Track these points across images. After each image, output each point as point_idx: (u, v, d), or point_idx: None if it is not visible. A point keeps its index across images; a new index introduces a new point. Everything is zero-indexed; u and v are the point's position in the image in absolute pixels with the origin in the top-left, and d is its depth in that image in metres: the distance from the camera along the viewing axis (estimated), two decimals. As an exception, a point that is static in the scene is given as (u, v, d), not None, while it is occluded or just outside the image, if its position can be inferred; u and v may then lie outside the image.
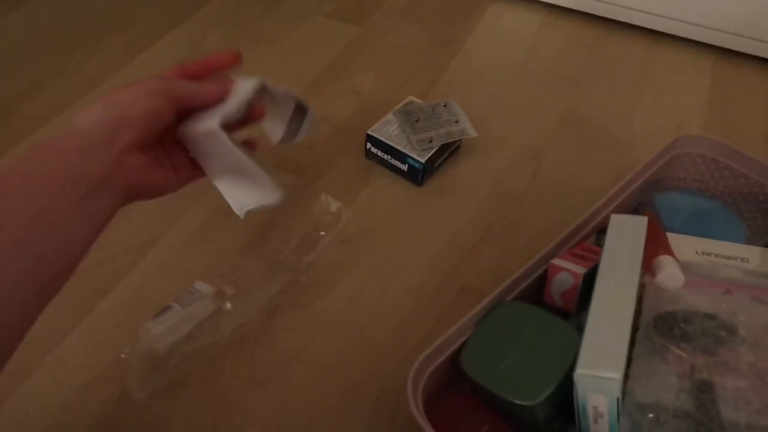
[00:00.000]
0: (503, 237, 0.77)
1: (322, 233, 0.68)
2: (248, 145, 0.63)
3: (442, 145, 0.81)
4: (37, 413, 0.60)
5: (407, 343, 0.66)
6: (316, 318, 0.68)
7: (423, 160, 0.78)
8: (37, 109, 0.92)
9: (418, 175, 0.80)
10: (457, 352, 0.58)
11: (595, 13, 1.13)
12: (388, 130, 0.82)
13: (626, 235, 0.59)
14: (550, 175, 0.85)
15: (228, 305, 0.63)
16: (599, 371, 0.48)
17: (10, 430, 0.59)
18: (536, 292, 0.65)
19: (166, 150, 0.56)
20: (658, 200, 0.73)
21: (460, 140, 0.85)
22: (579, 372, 0.48)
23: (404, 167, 0.81)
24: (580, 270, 0.61)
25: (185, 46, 1.04)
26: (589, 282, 0.61)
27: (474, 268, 0.74)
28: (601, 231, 0.70)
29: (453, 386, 0.59)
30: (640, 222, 0.59)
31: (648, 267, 0.60)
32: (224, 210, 0.78)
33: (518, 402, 0.51)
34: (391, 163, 0.82)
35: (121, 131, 0.45)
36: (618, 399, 0.48)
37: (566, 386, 0.52)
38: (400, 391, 0.62)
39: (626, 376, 0.50)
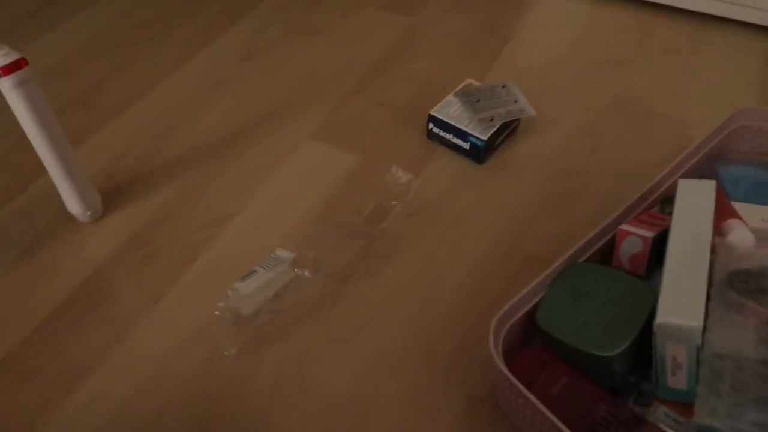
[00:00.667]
0: (564, 210, 0.79)
1: (394, 202, 0.72)
2: None
3: (502, 124, 0.83)
4: (136, 371, 0.64)
5: (476, 308, 0.69)
6: (387, 284, 0.71)
7: (485, 138, 0.81)
8: (112, 100, 0.97)
9: (479, 152, 0.83)
10: (531, 313, 0.61)
11: (644, -2, 1.14)
12: (450, 110, 0.85)
13: (695, 198, 0.60)
14: (607, 152, 0.87)
15: (307, 270, 0.67)
16: (679, 320, 0.50)
17: (111, 387, 0.63)
18: (603, 258, 0.67)
19: None
20: (720, 172, 0.74)
21: (519, 120, 0.88)
22: (659, 321, 0.51)
23: (466, 145, 0.84)
24: (649, 234, 0.63)
25: (246, 40, 1.09)
26: (657, 246, 0.63)
27: (537, 240, 0.76)
28: (665, 201, 0.72)
29: (524, 346, 0.62)
30: (709, 185, 0.61)
31: (717, 231, 0.61)
32: (297, 184, 0.83)
33: (597, 354, 0.54)
34: (452, 142, 0.85)
35: None
36: (698, 347, 0.50)
37: (643, 339, 0.54)
38: (473, 352, 0.65)
39: (703, 329, 0.51)
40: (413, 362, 0.65)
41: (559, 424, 0.50)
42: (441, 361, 0.65)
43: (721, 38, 1.08)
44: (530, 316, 0.60)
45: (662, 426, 0.53)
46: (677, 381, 0.53)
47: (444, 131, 0.85)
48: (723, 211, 0.64)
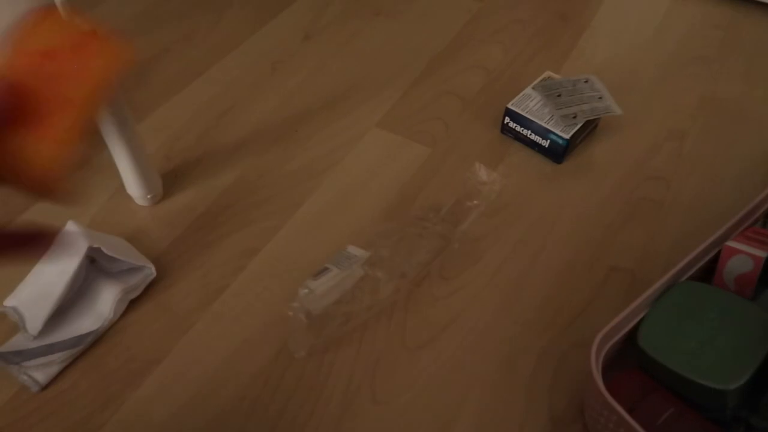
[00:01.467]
0: (650, 218, 0.74)
1: (476, 202, 0.67)
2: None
3: (585, 122, 0.78)
4: (200, 365, 0.61)
5: (558, 320, 0.65)
6: (464, 289, 0.67)
7: (567, 137, 0.76)
8: (169, 76, 0.93)
9: (560, 151, 0.78)
10: (630, 333, 0.56)
11: (729, -8, 1.07)
12: (529, 104, 0.80)
13: (821, 217, 0.55)
14: (694, 156, 0.82)
15: (380, 272, 0.63)
16: (816, 356, 0.45)
17: (175, 382, 0.60)
18: (703, 275, 0.62)
19: None
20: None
21: (599, 118, 0.82)
22: (791, 356, 0.46)
23: (545, 143, 0.79)
24: (762, 254, 0.57)
25: (307, 18, 1.04)
26: (766, 267, 0.58)
27: (622, 248, 0.71)
28: (769, 216, 0.67)
29: (616, 368, 0.57)
30: (836, 205, 0.56)
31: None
32: (365, 175, 0.78)
33: (712, 386, 0.49)
34: (530, 138, 0.80)
35: None
36: (833, 387, 0.45)
37: (760, 372, 0.50)
38: (557, 367, 0.61)
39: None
40: (492, 374, 0.61)
41: (671, 461, 0.45)
42: (522, 375, 0.61)
43: (815, 38, 1.01)
44: (629, 336, 0.56)
45: (779, 468, 0.48)
46: (798, 420, 0.49)
47: (521, 127, 0.80)
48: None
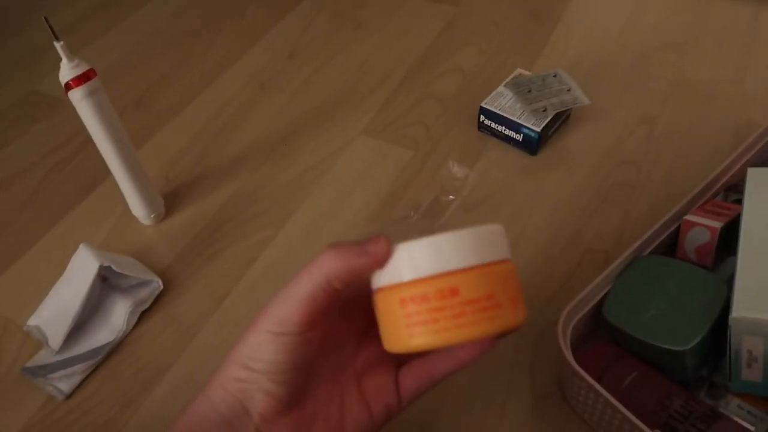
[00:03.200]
0: (623, 201, 0.78)
1: (451, 197, 0.72)
2: None
3: (555, 113, 0.82)
4: (209, 368, 0.67)
5: (537, 301, 0.69)
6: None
7: (538, 129, 0.81)
8: (165, 102, 1.00)
9: (533, 143, 0.82)
10: (597, 307, 0.60)
11: (695, -23, 1.11)
12: (501, 102, 0.85)
13: (766, 186, 0.59)
14: (665, 139, 0.86)
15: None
16: (756, 313, 0.49)
17: (186, 384, 0.65)
18: (666, 249, 0.66)
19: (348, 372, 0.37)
20: (786, 157, 0.72)
21: (570, 109, 0.87)
22: (735, 315, 0.50)
23: (519, 137, 0.83)
24: (717, 224, 0.61)
25: (292, 36, 1.10)
26: (723, 236, 0.62)
27: (596, 231, 0.75)
28: (729, 189, 0.71)
29: (589, 341, 0.62)
30: (780, 174, 0.60)
31: (789, 219, 0.60)
32: (353, 181, 0.84)
33: (670, 348, 0.53)
34: (504, 134, 0.85)
35: (249, 398, 0.31)
36: (776, 340, 0.49)
37: (716, 332, 0.54)
38: (536, 346, 0.66)
39: (780, 320, 0.51)
40: (477, 357, 0.65)
41: (632, 417, 0.50)
42: (504, 355, 0.65)
43: (780, 15, 1.04)
44: (596, 310, 0.60)
45: (738, 419, 0.52)
46: (752, 374, 0.53)
47: (496, 123, 0.85)
48: (794, 199, 0.62)
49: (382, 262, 0.31)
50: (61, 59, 0.63)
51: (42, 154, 0.92)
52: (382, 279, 0.32)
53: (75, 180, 0.88)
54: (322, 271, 0.31)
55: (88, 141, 0.93)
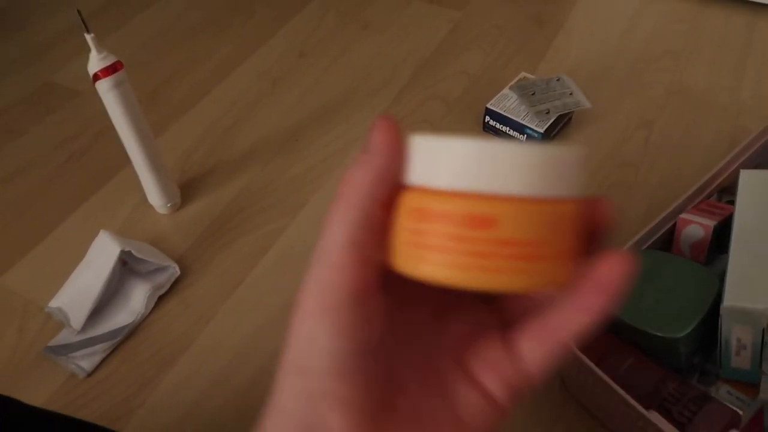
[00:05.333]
0: (622, 200, 0.82)
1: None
2: None
3: (558, 116, 0.86)
4: (224, 349, 0.69)
5: (539, 293, 0.73)
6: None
7: (542, 130, 0.84)
8: (179, 97, 1.02)
9: (536, 144, 0.86)
10: (596, 297, 0.64)
11: (693, -12, 1.15)
12: (506, 103, 0.88)
13: (758, 187, 0.63)
14: (662, 143, 0.89)
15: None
16: (746, 303, 0.53)
17: (202, 364, 0.68)
18: (663, 245, 0.70)
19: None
20: (776, 161, 0.76)
21: (572, 112, 0.90)
22: (726, 305, 0.53)
23: (522, 137, 0.87)
24: (711, 223, 0.65)
25: (301, 35, 1.13)
26: (717, 234, 0.66)
27: (595, 228, 0.79)
28: (723, 190, 0.75)
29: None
30: (771, 176, 0.63)
31: (777, 218, 0.64)
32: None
33: (664, 336, 0.57)
34: (509, 134, 0.88)
35: (320, 416, 0.22)
36: (763, 329, 0.53)
37: (708, 322, 0.57)
38: (538, 335, 0.69)
39: (768, 311, 0.54)
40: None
41: (628, 398, 0.53)
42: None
43: (773, 27, 1.08)
44: (595, 300, 0.64)
45: (727, 404, 0.56)
46: (741, 361, 0.56)
47: (501, 124, 0.88)
48: (782, 200, 0.66)
49: (393, 154, 0.23)
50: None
51: (58, 143, 0.95)
52: (409, 175, 0.23)
53: (91, 169, 0.91)
54: (351, 203, 0.22)
55: (103, 132, 0.96)
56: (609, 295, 0.22)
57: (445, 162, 0.22)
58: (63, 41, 1.13)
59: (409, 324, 0.25)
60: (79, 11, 0.62)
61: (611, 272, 0.21)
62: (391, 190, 0.23)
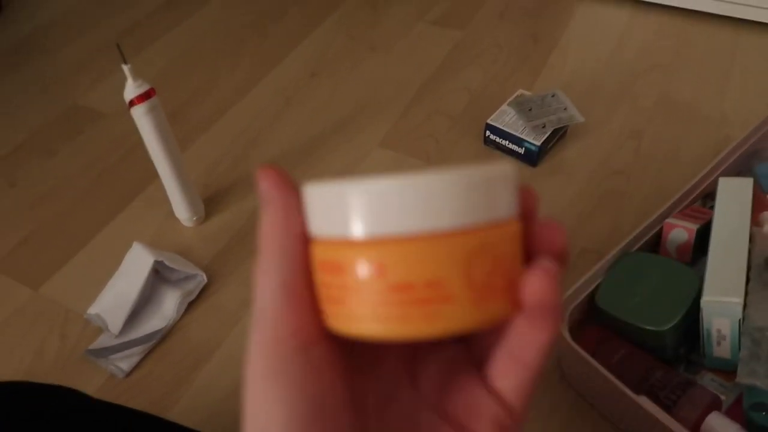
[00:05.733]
0: (613, 207, 0.88)
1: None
2: None
3: (553, 130, 0.93)
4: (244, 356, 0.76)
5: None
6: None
7: (539, 143, 0.91)
8: (200, 115, 1.09)
9: (533, 156, 0.92)
10: (590, 296, 0.70)
11: (680, 5, 1.22)
12: (505, 119, 0.95)
13: (735, 193, 0.69)
14: (651, 152, 0.96)
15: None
16: (723, 297, 0.59)
17: (229, 366, 0.75)
18: (652, 248, 0.76)
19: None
20: (757, 169, 0.82)
21: (567, 126, 0.97)
22: (706, 298, 0.60)
23: (521, 150, 0.93)
24: (694, 226, 0.71)
25: (313, 56, 1.20)
26: (701, 237, 0.72)
27: (590, 233, 0.85)
28: (707, 196, 0.81)
29: (584, 326, 0.71)
30: (747, 182, 0.70)
31: (755, 221, 0.70)
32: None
33: (651, 328, 0.63)
34: (508, 147, 0.95)
35: None
36: (740, 320, 0.59)
37: (691, 316, 0.63)
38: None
39: (744, 305, 0.60)
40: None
41: (620, 385, 0.59)
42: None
43: (757, 42, 1.15)
44: (589, 299, 0.70)
45: (710, 389, 0.62)
46: (722, 351, 0.62)
47: (500, 138, 0.95)
48: (759, 205, 0.72)
49: (276, 206, 0.22)
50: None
51: (88, 162, 1.02)
52: (311, 226, 0.21)
53: (119, 186, 0.98)
54: (268, 253, 0.21)
55: (129, 151, 1.03)
56: (553, 309, 0.20)
57: (335, 210, 0.20)
58: (87, 66, 1.21)
59: (382, 381, 0.24)
60: (118, 45, 0.69)
61: (533, 289, 0.20)
62: (299, 236, 0.21)
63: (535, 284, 0.20)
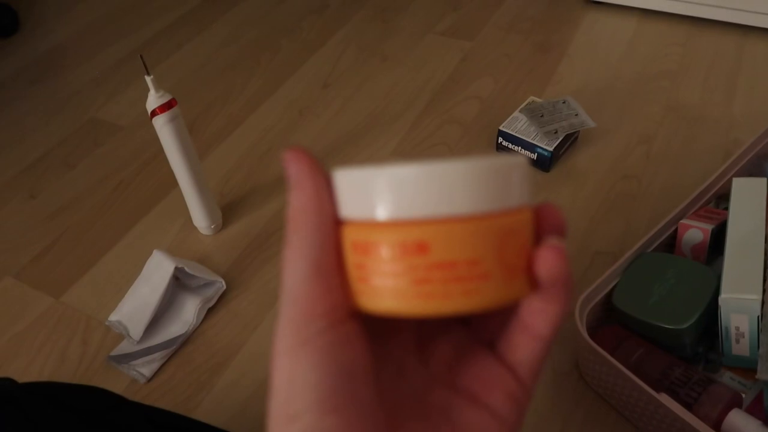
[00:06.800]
0: (626, 210, 0.89)
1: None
2: None
3: (565, 135, 0.94)
4: (265, 356, 0.77)
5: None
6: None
7: (551, 149, 0.92)
8: (215, 127, 1.11)
9: (546, 161, 0.93)
10: (608, 297, 0.71)
11: (685, 13, 1.23)
12: (517, 125, 0.96)
13: (749, 192, 0.70)
14: (661, 156, 0.97)
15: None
16: (742, 294, 0.59)
17: (249, 369, 0.75)
18: (666, 249, 0.77)
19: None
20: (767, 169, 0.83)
21: (578, 131, 0.98)
22: (723, 296, 0.60)
23: (533, 156, 0.94)
24: (709, 227, 0.72)
25: (325, 68, 1.22)
26: (715, 237, 0.73)
27: (604, 236, 0.86)
28: (720, 198, 0.82)
29: (602, 327, 0.72)
30: (761, 182, 0.70)
31: (768, 220, 0.70)
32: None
33: (669, 327, 0.63)
34: (520, 153, 0.96)
35: None
36: (758, 317, 0.59)
37: (709, 314, 0.64)
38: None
39: (762, 302, 0.61)
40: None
41: (640, 383, 0.59)
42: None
43: (764, 48, 1.16)
44: (606, 300, 0.70)
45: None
46: (740, 348, 0.63)
47: (513, 144, 0.96)
48: (773, 204, 0.73)
49: (307, 188, 0.22)
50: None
51: (107, 173, 1.04)
52: (342, 209, 0.22)
53: (138, 197, 0.99)
54: (300, 234, 0.22)
55: (147, 162, 1.04)
56: (565, 281, 0.22)
57: (374, 192, 0.21)
58: (104, 81, 1.23)
59: (395, 359, 0.25)
60: (141, 57, 0.71)
61: (547, 266, 0.21)
62: (330, 217, 0.22)
63: (548, 259, 0.21)
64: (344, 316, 0.21)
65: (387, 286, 0.21)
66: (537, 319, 0.22)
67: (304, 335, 0.21)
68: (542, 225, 0.23)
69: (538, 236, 0.23)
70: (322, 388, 0.20)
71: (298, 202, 0.22)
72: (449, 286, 0.20)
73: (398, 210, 0.20)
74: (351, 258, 0.22)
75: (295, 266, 0.21)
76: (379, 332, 0.25)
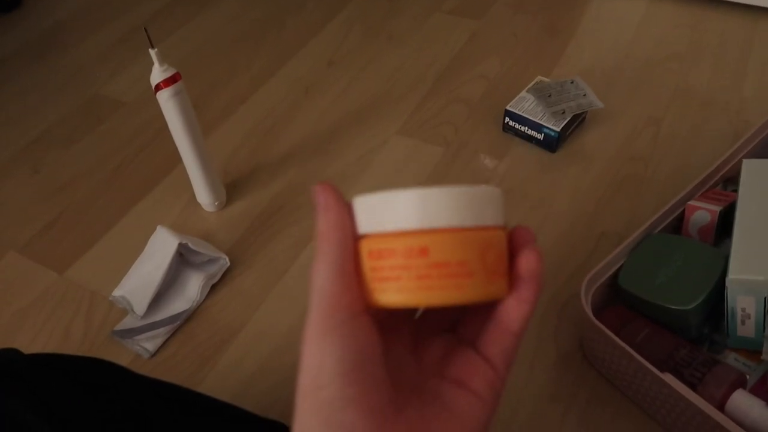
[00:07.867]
0: (633, 191, 0.89)
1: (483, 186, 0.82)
2: None
3: (572, 116, 0.93)
4: (273, 333, 0.77)
5: (560, 277, 0.79)
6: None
7: (558, 129, 0.91)
8: (222, 102, 1.10)
9: (553, 142, 0.93)
10: (613, 277, 0.70)
11: (697, -6, 1.21)
12: (524, 105, 0.95)
13: (759, 174, 0.69)
14: (669, 138, 0.96)
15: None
16: (749, 275, 0.59)
17: (254, 346, 0.75)
18: (673, 231, 0.76)
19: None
20: (777, 153, 0.82)
21: (586, 112, 0.97)
22: (731, 277, 0.60)
23: (540, 136, 0.94)
24: (717, 208, 0.71)
25: (330, 46, 1.21)
26: (722, 219, 0.72)
27: (610, 218, 0.85)
28: (727, 180, 0.81)
29: (607, 308, 0.72)
30: (770, 164, 0.70)
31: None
32: (392, 174, 0.93)
33: (675, 307, 0.63)
34: (527, 133, 0.95)
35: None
36: (765, 298, 0.59)
37: (715, 295, 0.64)
38: (560, 314, 0.75)
39: (769, 283, 0.60)
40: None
41: (646, 363, 0.59)
42: (532, 321, 0.75)
43: (774, 29, 1.15)
44: (612, 281, 0.70)
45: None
46: (746, 330, 0.62)
47: (519, 124, 0.95)
48: (783, 187, 0.72)
49: (333, 211, 0.28)
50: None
51: (111, 150, 1.03)
52: (360, 227, 0.29)
53: (142, 173, 0.99)
54: (328, 248, 0.28)
55: (151, 139, 1.04)
56: (536, 283, 0.27)
57: (386, 211, 0.27)
58: (107, 57, 1.22)
59: (395, 354, 0.30)
60: (145, 29, 0.70)
61: (529, 264, 0.27)
62: (350, 234, 0.28)
63: (530, 258, 0.27)
64: (361, 309, 0.27)
65: (396, 282, 0.27)
66: (511, 317, 0.28)
67: (330, 324, 0.26)
68: (517, 239, 0.28)
69: (515, 249, 0.28)
70: (344, 365, 0.26)
71: (326, 222, 0.28)
72: (444, 281, 0.27)
73: (405, 223, 0.27)
74: (367, 263, 0.28)
75: (323, 270, 0.27)
76: (384, 332, 0.30)
